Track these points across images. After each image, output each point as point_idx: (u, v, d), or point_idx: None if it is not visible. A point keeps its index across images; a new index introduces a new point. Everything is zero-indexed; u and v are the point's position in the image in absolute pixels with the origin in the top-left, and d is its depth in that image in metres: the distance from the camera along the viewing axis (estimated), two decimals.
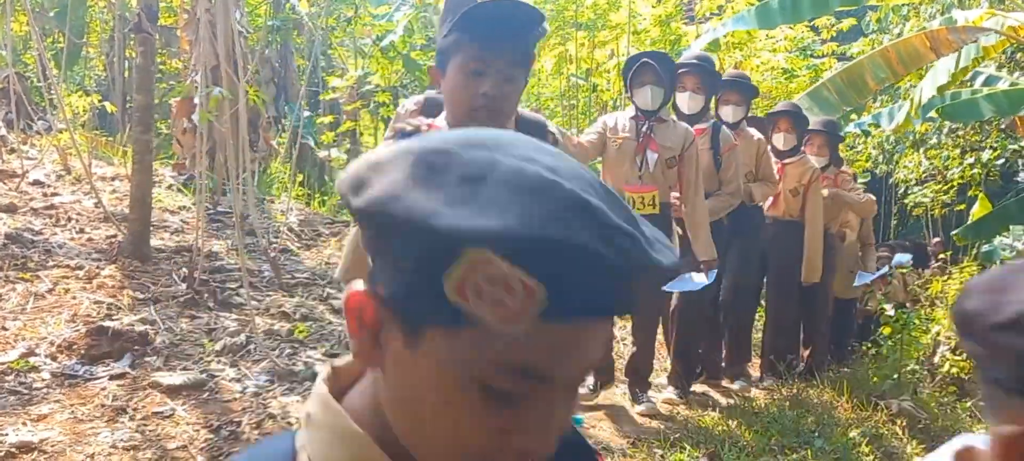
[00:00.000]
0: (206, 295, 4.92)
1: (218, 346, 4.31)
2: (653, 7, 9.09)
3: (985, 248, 8.05)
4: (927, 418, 5.18)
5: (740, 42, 9.05)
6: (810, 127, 6.03)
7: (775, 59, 9.40)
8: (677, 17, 9.45)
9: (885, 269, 7.99)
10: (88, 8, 13.06)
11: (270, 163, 8.91)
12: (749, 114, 5.67)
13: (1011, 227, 6.44)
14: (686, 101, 5.04)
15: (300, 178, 9.38)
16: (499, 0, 1.79)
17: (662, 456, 3.82)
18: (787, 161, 5.68)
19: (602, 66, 9.77)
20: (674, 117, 4.90)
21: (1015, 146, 9.35)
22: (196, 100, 6.73)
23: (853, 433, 4.67)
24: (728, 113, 5.34)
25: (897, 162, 11.80)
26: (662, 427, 4.41)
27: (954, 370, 6.21)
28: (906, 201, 12.17)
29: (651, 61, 4.60)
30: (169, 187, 7.13)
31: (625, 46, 8.90)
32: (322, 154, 11.66)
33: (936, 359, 6.31)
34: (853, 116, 8.29)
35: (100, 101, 8.93)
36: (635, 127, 4.63)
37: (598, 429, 4.25)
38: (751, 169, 5.39)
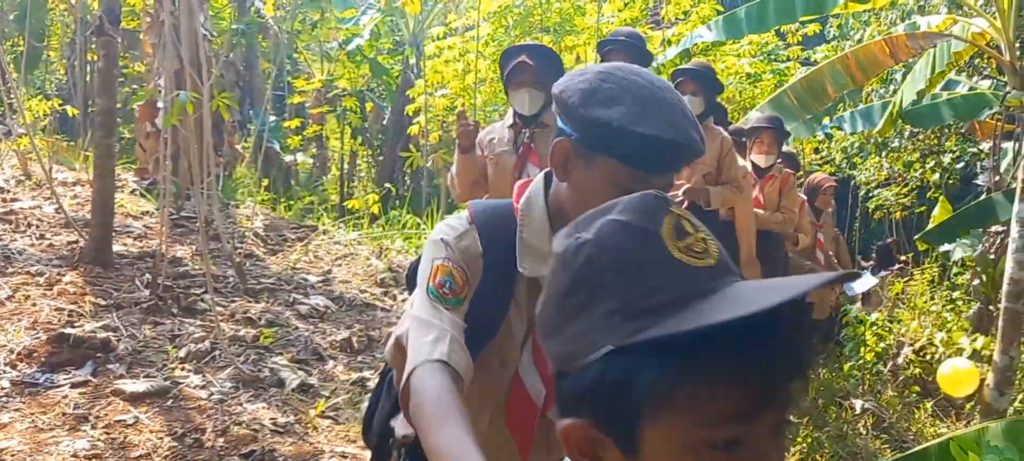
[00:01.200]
0: (170, 301, 4.87)
1: (182, 353, 4.26)
2: (619, 10, 9.15)
3: (944, 247, 8.18)
4: (890, 418, 5.25)
5: (706, 47, 9.12)
6: (755, 124, 5.74)
7: (740, 63, 9.50)
8: (643, 21, 9.51)
9: (874, 280, 8.03)
10: (49, 11, 12.86)
11: (235, 168, 8.83)
12: (722, 117, 5.32)
13: (970, 230, 6.55)
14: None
15: (265, 183, 9.31)
16: (683, 133, 1.37)
17: None
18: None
19: (568, 70, 9.82)
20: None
21: (974, 149, 9.53)
22: (160, 104, 6.66)
23: (818, 433, 4.73)
24: None
25: (858, 165, 11.98)
26: None
27: (917, 371, 6.30)
28: (869, 204, 12.35)
29: (528, 59, 3.80)
30: (132, 192, 7.04)
31: (592, 50, 8.94)
32: (288, 158, 11.60)
33: (899, 360, 6.40)
34: (825, 119, 8.37)
35: (61, 105, 8.81)
36: (513, 137, 3.92)
37: None
38: (711, 171, 4.92)
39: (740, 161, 5.45)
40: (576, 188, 1.43)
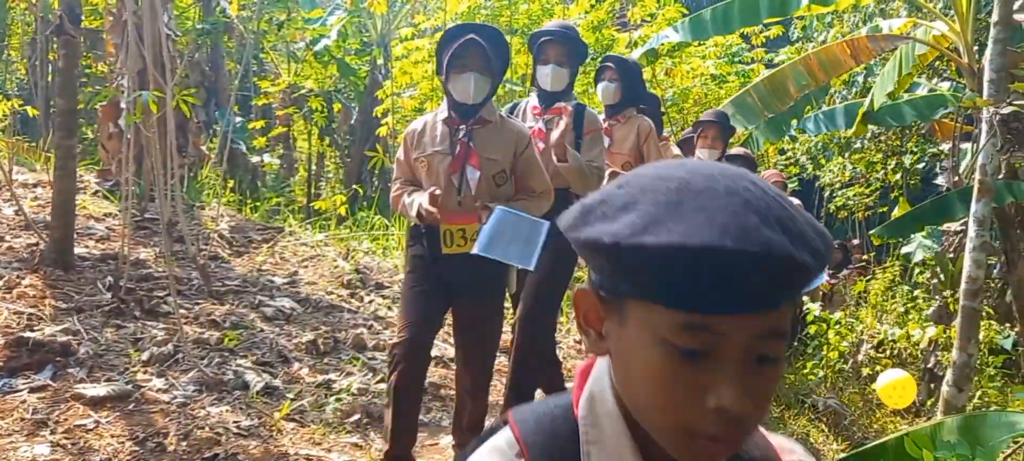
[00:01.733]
0: (132, 304, 4.81)
1: (144, 356, 4.22)
2: (586, 12, 9.19)
3: (905, 249, 8.32)
4: (851, 414, 5.33)
5: (671, 49, 9.20)
6: (701, 118, 5.79)
7: (705, 65, 9.59)
8: (609, 22, 9.56)
9: (824, 277, 8.18)
10: (9, 10, 12.66)
11: (200, 169, 8.75)
12: (653, 107, 5.24)
13: (925, 227, 6.68)
14: (549, 75, 4.11)
15: (231, 184, 9.24)
16: (738, 232, 0.75)
17: None
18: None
19: None
20: (503, 112, 3.74)
21: (934, 150, 9.70)
22: (123, 104, 6.59)
23: (780, 431, 4.79)
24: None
25: (823, 166, 12.13)
26: None
27: (878, 368, 6.40)
28: (832, 205, 12.52)
29: (478, 39, 3.35)
30: (94, 194, 6.95)
31: None
32: (254, 159, 11.51)
33: (860, 357, 6.50)
34: (793, 120, 8.48)
35: (21, 105, 8.67)
36: (449, 134, 3.45)
37: None
38: (629, 160, 4.73)
39: (675, 150, 5.45)
40: (617, 361, 0.87)
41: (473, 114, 3.42)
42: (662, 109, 6.05)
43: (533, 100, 4.31)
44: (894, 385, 4.78)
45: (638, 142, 4.72)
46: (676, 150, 5.41)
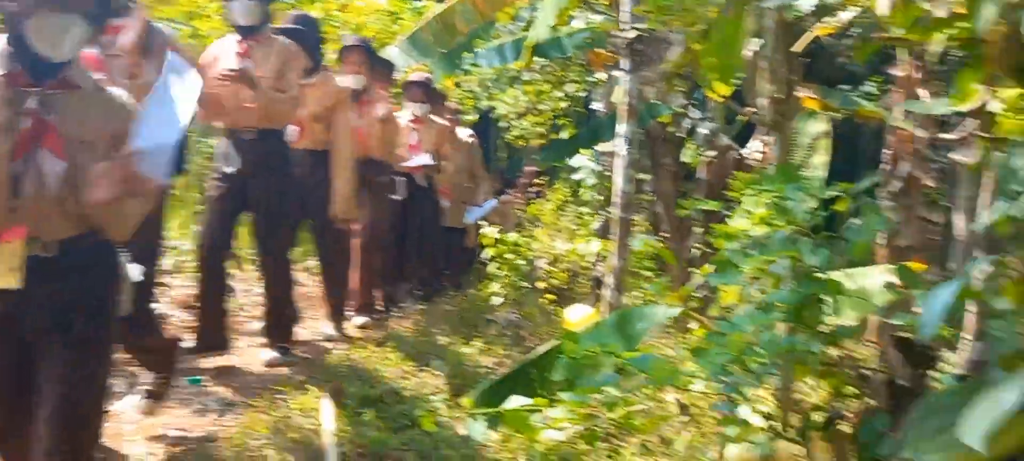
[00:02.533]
0: None
1: None
2: None
3: (577, 176, 9.02)
4: (530, 327, 5.75)
5: None
6: (344, 44, 5.68)
7: (379, 3, 9.61)
8: None
9: (494, 202, 8.73)
10: None
11: None
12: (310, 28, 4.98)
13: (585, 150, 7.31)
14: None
15: None
16: None
17: (285, 401, 3.81)
18: (306, 82, 4.57)
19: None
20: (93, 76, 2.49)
21: (592, 80, 10.55)
22: None
23: (466, 349, 5.06)
24: (240, 11, 3.98)
25: (496, 97, 12.73)
26: (286, 373, 4.41)
27: (553, 282, 6.95)
28: (508, 135, 13.22)
29: None
30: None
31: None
32: None
33: (536, 273, 7.00)
34: (466, 54, 8.75)
35: None
36: (12, 100, 2.18)
37: (221, 389, 4.14)
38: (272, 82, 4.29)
39: (340, 80, 5.18)
40: None
41: (54, 74, 2.22)
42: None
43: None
44: (582, 320, 5.23)
45: (279, 66, 4.27)
46: (340, 81, 5.26)
